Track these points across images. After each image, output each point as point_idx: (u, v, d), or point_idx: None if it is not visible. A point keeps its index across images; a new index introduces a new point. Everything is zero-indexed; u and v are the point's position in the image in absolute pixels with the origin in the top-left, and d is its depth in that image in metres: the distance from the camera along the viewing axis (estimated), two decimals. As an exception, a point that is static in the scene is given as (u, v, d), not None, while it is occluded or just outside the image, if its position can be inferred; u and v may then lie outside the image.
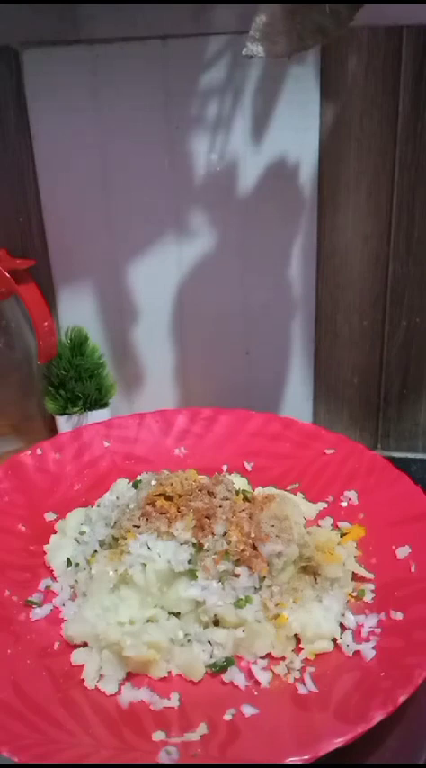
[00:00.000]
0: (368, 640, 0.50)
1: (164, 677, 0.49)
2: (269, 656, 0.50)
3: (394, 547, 0.56)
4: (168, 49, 0.66)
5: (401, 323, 0.73)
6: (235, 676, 0.49)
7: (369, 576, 0.55)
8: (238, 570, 0.52)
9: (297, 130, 0.67)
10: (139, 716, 0.46)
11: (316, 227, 0.71)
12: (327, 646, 0.50)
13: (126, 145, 0.70)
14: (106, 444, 0.70)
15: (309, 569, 0.55)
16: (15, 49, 0.67)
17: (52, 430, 0.76)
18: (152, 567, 0.52)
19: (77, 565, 0.57)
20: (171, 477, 0.60)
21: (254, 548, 0.53)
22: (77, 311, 0.77)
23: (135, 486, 0.62)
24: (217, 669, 0.49)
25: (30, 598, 0.55)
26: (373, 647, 0.49)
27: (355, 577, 0.55)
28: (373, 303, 0.73)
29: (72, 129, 0.70)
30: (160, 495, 0.57)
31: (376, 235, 0.70)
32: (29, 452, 0.67)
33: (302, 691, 0.47)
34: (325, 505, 0.63)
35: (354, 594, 0.54)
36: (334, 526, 0.61)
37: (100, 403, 0.75)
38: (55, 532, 0.61)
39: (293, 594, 0.53)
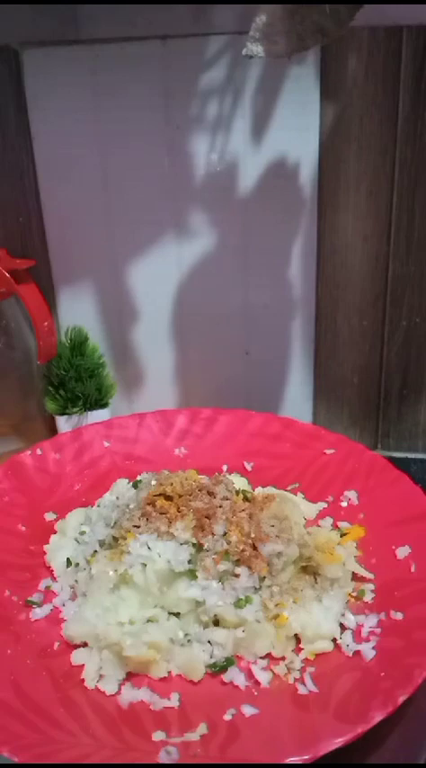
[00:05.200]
0: (367, 640, 0.50)
1: (164, 677, 0.49)
2: (269, 656, 0.50)
3: (394, 547, 0.56)
4: (168, 49, 0.66)
5: (401, 323, 0.73)
6: (235, 676, 0.49)
7: (369, 575, 0.55)
8: (238, 570, 0.52)
9: (297, 130, 0.67)
10: (139, 716, 0.46)
11: (316, 227, 0.71)
12: (327, 646, 0.50)
13: (126, 145, 0.70)
14: (106, 444, 0.70)
15: (309, 569, 0.55)
16: (15, 49, 0.67)
17: (52, 430, 0.76)
18: (152, 567, 0.52)
19: (77, 565, 0.57)
20: (171, 477, 0.60)
21: (254, 548, 0.53)
22: (77, 311, 0.77)
23: (135, 486, 0.62)
24: (217, 669, 0.49)
25: (30, 598, 0.55)
26: (373, 647, 0.49)
27: (355, 577, 0.55)
28: (373, 303, 0.73)
29: (72, 129, 0.70)
30: (160, 495, 0.57)
31: (376, 235, 0.70)
32: (29, 452, 0.67)
33: (302, 691, 0.47)
34: (325, 505, 0.63)
35: (354, 594, 0.54)
36: (334, 526, 0.61)
37: (100, 403, 0.75)
38: (55, 532, 0.61)
39: (293, 594, 0.52)
